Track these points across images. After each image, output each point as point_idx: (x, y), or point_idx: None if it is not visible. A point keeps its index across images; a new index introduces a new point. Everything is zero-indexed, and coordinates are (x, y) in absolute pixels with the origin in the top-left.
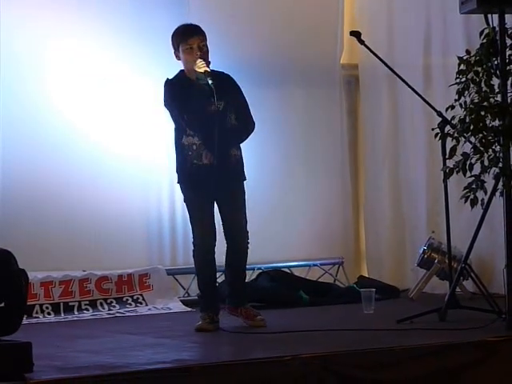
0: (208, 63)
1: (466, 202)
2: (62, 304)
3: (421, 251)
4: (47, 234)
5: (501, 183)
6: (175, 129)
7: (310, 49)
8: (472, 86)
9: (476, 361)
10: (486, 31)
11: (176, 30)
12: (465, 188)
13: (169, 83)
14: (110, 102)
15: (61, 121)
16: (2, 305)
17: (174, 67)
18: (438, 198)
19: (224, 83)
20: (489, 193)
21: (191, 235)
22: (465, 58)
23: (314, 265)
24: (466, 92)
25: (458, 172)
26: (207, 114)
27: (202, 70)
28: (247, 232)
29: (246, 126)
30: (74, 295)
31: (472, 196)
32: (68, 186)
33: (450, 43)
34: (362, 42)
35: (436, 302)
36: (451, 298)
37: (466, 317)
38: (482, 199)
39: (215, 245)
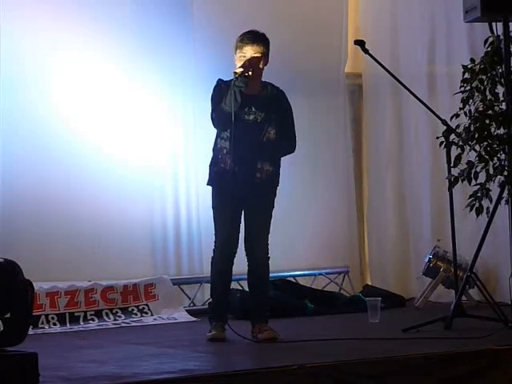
0: (253, 70)
1: (471, 210)
2: (67, 314)
3: (426, 260)
4: (52, 245)
5: (506, 191)
6: (217, 131)
7: (314, 58)
8: (476, 94)
9: (482, 369)
10: (491, 39)
11: (239, 35)
12: (470, 196)
13: (218, 83)
14: (114, 112)
15: (65, 131)
16: (8, 315)
17: (179, 78)
18: (442, 206)
19: (273, 96)
20: (494, 201)
21: (195, 245)
22: (469, 66)
23: (320, 274)
24: (471, 100)
25: (462, 180)
26: (238, 123)
27: (236, 71)
28: (268, 245)
29: (284, 144)
30: (79, 305)
31: (477, 204)
32: (72, 196)
33: (454, 51)
34: (366, 51)
35: (442, 310)
36: (457, 307)
37: (471, 325)
38: (488, 207)
39: (235, 254)
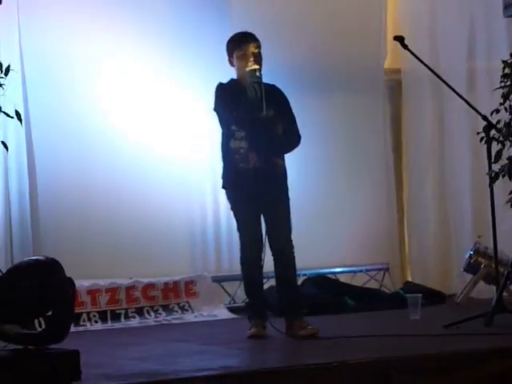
0: (260, 67)
1: None
2: (108, 312)
3: (467, 256)
4: (93, 242)
5: None
6: (223, 134)
7: (353, 54)
8: None
9: None
10: None
11: (231, 37)
12: (511, 192)
13: (220, 87)
14: (155, 111)
15: (108, 129)
16: (50, 313)
17: (216, 76)
18: (483, 202)
19: (274, 94)
20: None
21: (236, 241)
22: (509, 61)
23: (360, 271)
24: (511, 95)
25: (503, 176)
26: (257, 119)
27: (251, 68)
28: (291, 241)
29: (292, 139)
30: (120, 303)
31: None
32: (113, 194)
33: (493, 47)
34: (405, 47)
35: (483, 306)
36: (498, 303)
37: None
38: None
39: (261, 250)
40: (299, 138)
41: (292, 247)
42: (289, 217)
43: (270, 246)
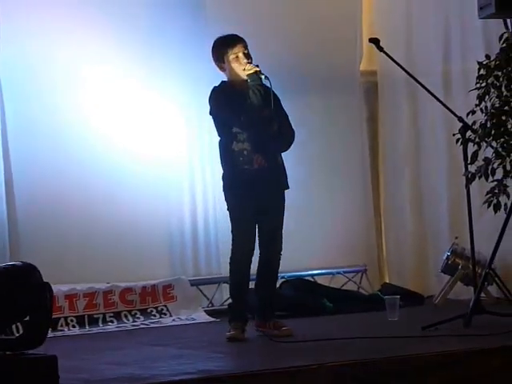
0: (257, 66)
1: (488, 207)
2: (86, 316)
3: (444, 257)
4: (70, 247)
5: None
6: (222, 137)
7: (328, 56)
8: (492, 90)
9: (502, 366)
10: (506, 35)
11: (216, 42)
12: (487, 193)
13: (216, 91)
14: (131, 114)
15: (83, 133)
16: (27, 318)
17: (193, 80)
18: (460, 203)
19: (266, 91)
20: None
21: (213, 245)
22: (484, 62)
23: (338, 273)
24: (487, 97)
25: (480, 177)
26: (260, 120)
27: (252, 71)
28: (282, 241)
29: (288, 136)
30: (98, 307)
31: (495, 201)
32: (90, 199)
33: (469, 48)
34: (381, 49)
35: (461, 307)
36: (476, 304)
37: (491, 322)
38: (505, 204)
39: (253, 253)
40: (293, 133)
41: (281, 249)
42: (282, 220)
43: (260, 246)
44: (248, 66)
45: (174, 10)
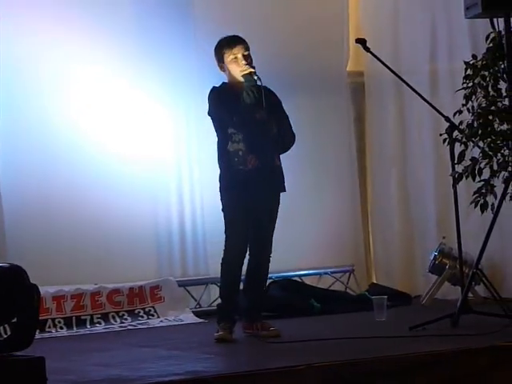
0: (253, 67)
1: (476, 206)
2: (74, 318)
3: (432, 257)
4: (57, 248)
5: (510, 187)
6: (219, 138)
7: (315, 57)
8: (479, 90)
9: (490, 366)
10: (492, 35)
11: (219, 42)
12: (474, 193)
13: (215, 91)
14: (118, 115)
15: (71, 134)
16: (15, 320)
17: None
18: (447, 203)
19: (266, 95)
20: (499, 197)
21: (200, 245)
22: (471, 62)
23: (325, 273)
24: (474, 97)
25: (467, 177)
26: (254, 121)
27: (247, 72)
28: (272, 244)
29: (287, 138)
30: (85, 309)
31: (482, 201)
32: (77, 200)
33: (455, 48)
34: (367, 50)
35: (448, 307)
36: (463, 304)
37: (478, 322)
38: (492, 204)
39: (245, 255)
40: (294, 137)
41: (271, 252)
42: (275, 221)
43: (250, 248)
44: (244, 67)
45: (162, 9)
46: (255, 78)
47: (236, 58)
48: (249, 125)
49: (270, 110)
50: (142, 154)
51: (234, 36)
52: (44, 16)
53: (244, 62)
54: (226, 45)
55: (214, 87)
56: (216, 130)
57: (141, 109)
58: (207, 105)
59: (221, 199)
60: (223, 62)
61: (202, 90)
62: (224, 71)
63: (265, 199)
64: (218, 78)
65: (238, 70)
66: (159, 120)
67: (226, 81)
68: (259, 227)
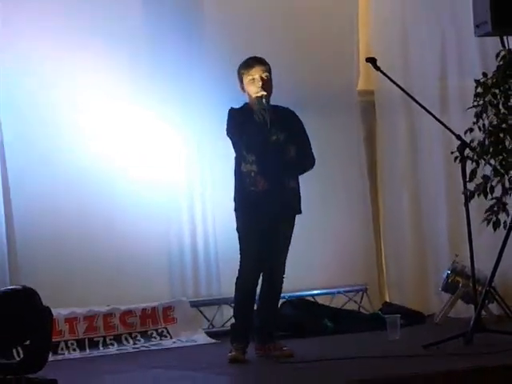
0: (268, 92)
1: (488, 224)
2: (86, 340)
3: (445, 275)
4: (70, 270)
5: None
6: (236, 158)
7: (326, 76)
8: (490, 108)
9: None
10: (502, 53)
11: (241, 63)
12: (486, 210)
13: (232, 112)
14: (130, 136)
15: (82, 158)
16: (28, 343)
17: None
18: (459, 221)
19: (287, 117)
20: (511, 215)
21: (213, 266)
22: (482, 80)
23: (338, 292)
24: (484, 114)
25: (479, 195)
26: (267, 143)
27: (259, 95)
28: (285, 266)
29: (304, 161)
30: (98, 330)
31: (494, 218)
32: (89, 221)
33: (466, 66)
34: (377, 68)
35: (462, 326)
36: (477, 322)
37: (492, 340)
38: (505, 221)
39: (259, 277)
40: (313, 160)
41: (284, 274)
42: (289, 243)
43: (264, 270)
44: (257, 90)
45: (173, 31)
46: (264, 101)
47: (253, 79)
48: (261, 146)
49: (288, 133)
50: (153, 175)
51: (253, 57)
52: (56, 41)
53: (260, 83)
54: (244, 66)
55: (231, 108)
56: (234, 151)
57: (151, 130)
58: (221, 125)
59: (236, 219)
60: (243, 83)
61: (214, 110)
62: (244, 92)
63: (277, 221)
64: (229, 98)
65: (254, 92)
66: (170, 140)
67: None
68: (272, 249)
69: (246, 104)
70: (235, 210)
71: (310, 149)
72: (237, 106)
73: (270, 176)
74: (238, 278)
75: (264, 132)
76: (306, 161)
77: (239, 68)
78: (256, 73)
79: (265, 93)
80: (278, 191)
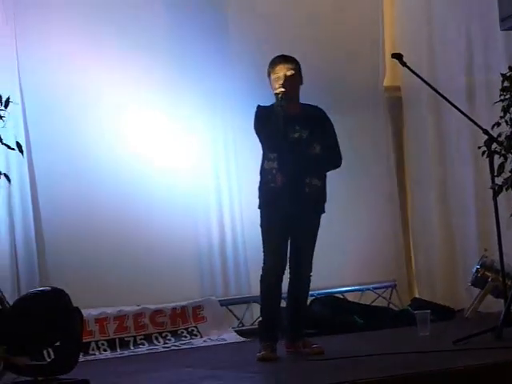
0: (290, 89)
1: None
2: (117, 340)
3: (474, 270)
4: (99, 271)
5: None
6: (262, 155)
7: (352, 73)
8: None
9: None
10: None
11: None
12: None
13: (258, 109)
14: (160, 138)
15: (109, 154)
16: (58, 344)
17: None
18: (487, 215)
19: (314, 114)
20: None
21: (242, 264)
22: (508, 74)
23: (367, 289)
24: (511, 108)
25: (507, 189)
26: (288, 140)
27: (277, 91)
28: (312, 263)
29: (330, 159)
30: (129, 330)
31: None
32: (117, 220)
33: (491, 60)
34: (404, 64)
35: (492, 320)
36: (506, 316)
37: None
38: None
39: (283, 273)
40: (340, 158)
41: (311, 271)
42: (315, 240)
43: (290, 267)
44: (277, 87)
45: (197, 34)
46: (280, 98)
47: (277, 77)
48: (282, 143)
49: (313, 130)
50: (181, 176)
51: (280, 55)
52: (76, 43)
53: (282, 81)
54: (270, 64)
55: (258, 105)
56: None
57: (180, 132)
58: (247, 123)
59: (260, 217)
60: (270, 82)
61: (240, 110)
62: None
63: (299, 218)
64: (256, 97)
65: (274, 89)
66: (198, 142)
67: None
68: (296, 246)
69: (275, 102)
70: (259, 206)
71: (337, 147)
72: (266, 101)
73: (289, 173)
74: (261, 276)
75: (279, 130)
76: (332, 159)
77: (268, 66)
78: (280, 71)
79: (283, 89)
80: (298, 188)
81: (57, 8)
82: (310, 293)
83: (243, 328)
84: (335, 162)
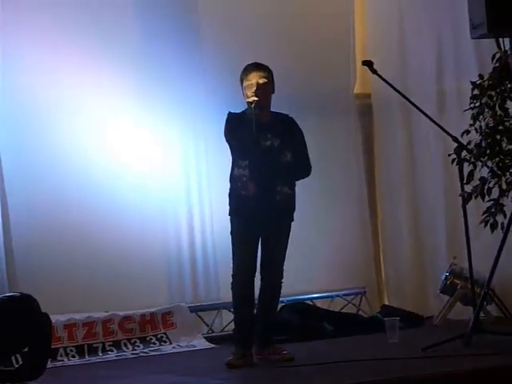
0: (262, 97)
1: (485, 226)
2: (86, 346)
3: (443, 277)
4: (68, 276)
5: None
6: (232, 162)
7: (322, 80)
8: (486, 110)
9: None
10: (498, 55)
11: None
12: (484, 212)
13: (229, 116)
14: (128, 145)
15: (81, 160)
16: (26, 349)
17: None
18: (457, 223)
19: (285, 123)
20: (508, 216)
21: (211, 271)
22: (478, 82)
23: (337, 296)
24: (481, 116)
25: (476, 197)
26: (260, 148)
27: (250, 100)
28: (283, 270)
29: (299, 167)
30: (97, 336)
31: (492, 220)
32: (87, 228)
33: (462, 68)
34: (374, 72)
35: (461, 327)
36: (476, 324)
37: (491, 341)
38: (502, 223)
39: (254, 279)
40: (309, 167)
41: (282, 276)
42: (285, 247)
43: (261, 275)
44: (249, 95)
45: (169, 36)
46: (252, 107)
47: (250, 84)
48: (249, 152)
49: (284, 139)
50: (151, 183)
51: (254, 63)
52: (56, 53)
53: (254, 89)
54: (243, 72)
55: (229, 112)
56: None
57: (149, 140)
58: (218, 130)
59: (231, 223)
60: (243, 89)
61: (211, 118)
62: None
63: (270, 226)
64: (227, 103)
65: (246, 97)
66: (168, 149)
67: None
68: (267, 254)
69: (246, 109)
70: (229, 213)
71: (307, 156)
72: (238, 110)
73: (260, 181)
74: (232, 283)
75: (251, 139)
76: (302, 167)
77: (241, 73)
78: (253, 78)
79: (256, 98)
80: (269, 196)
81: (28, 14)
82: (280, 299)
83: (213, 334)
84: (306, 170)
